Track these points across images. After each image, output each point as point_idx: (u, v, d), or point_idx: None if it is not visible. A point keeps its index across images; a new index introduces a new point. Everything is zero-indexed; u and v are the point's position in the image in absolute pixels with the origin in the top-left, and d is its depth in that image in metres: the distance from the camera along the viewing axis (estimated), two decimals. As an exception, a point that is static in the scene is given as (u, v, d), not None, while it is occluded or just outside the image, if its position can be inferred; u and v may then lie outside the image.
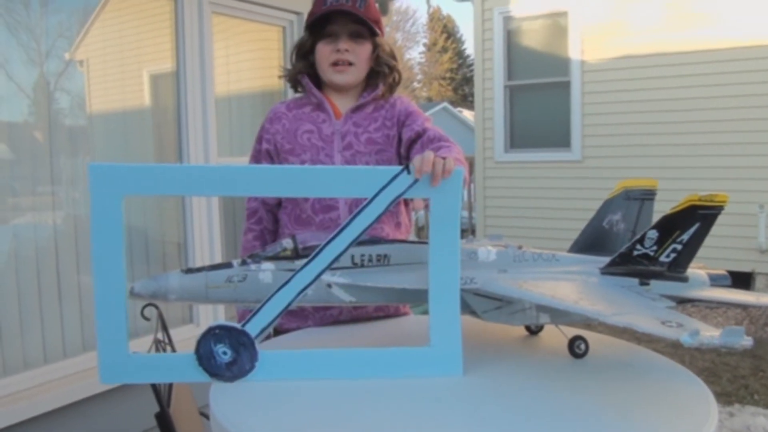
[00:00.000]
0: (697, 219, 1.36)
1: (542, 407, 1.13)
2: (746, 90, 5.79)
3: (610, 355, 1.42)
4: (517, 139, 7.14)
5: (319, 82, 1.73)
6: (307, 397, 1.17)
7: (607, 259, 1.42)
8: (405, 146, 1.66)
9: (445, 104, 22.85)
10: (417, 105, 1.77)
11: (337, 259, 1.23)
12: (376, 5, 1.73)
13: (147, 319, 1.40)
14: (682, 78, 6.07)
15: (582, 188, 6.50)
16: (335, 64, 1.66)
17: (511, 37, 7.11)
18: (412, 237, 1.77)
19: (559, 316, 1.35)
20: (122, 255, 1.20)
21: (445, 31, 36.27)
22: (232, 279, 1.26)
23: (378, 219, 1.22)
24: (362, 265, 1.31)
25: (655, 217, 1.43)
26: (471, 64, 26.92)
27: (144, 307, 1.37)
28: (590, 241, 1.55)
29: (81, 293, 2.61)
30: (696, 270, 1.45)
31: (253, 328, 1.22)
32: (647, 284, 1.39)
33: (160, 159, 3.00)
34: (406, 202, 1.73)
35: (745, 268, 5.74)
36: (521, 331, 1.53)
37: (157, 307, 1.46)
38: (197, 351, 1.21)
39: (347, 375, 1.24)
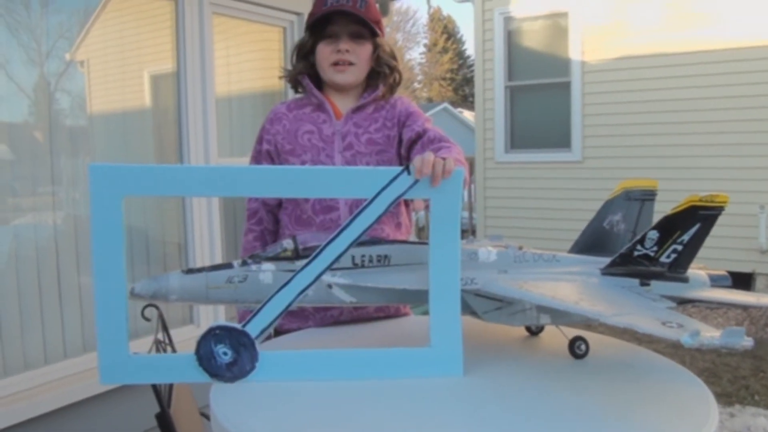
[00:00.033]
0: (697, 219, 1.36)
1: (543, 408, 1.13)
2: (746, 90, 5.79)
3: (610, 355, 1.42)
4: (517, 140, 7.14)
5: (319, 83, 1.73)
6: (308, 398, 1.17)
7: (607, 260, 1.42)
8: (405, 147, 1.66)
9: (446, 105, 22.85)
10: (417, 105, 1.77)
11: (337, 259, 1.23)
12: (377, 6, 1.73)
13: (147, 319, 1.40)
14: (683, 78, 6.07)
15: (582, 189, 6.50)
16: (336, 63, 1.66)
17: (511, 38, 7.11)
18: (413, 237, 1.77)
19: (560, 316, 1.35)
20: (122, 255, 1.20)
21: (445, 32, 36.27)
22: (233, 279, 1.26)
23: (378, 219, 1.22)
24: (363, 266, 1.31)
25: (656, 218, 1.43)
26: (471, 65, 26.93)
27: (144, 307, 1.37)
28: (591, 242, 1.55)
29: (81, 294, 2.61)
30: (696, 270, 1.45)
31: (253, 329, 1.22)
32: (648, 285, 1.39)
33: (160, 159, 2.99)
34: (407, 203, 1.73)
35: (745, 268, 5.73)
36: (522, 331, 1.53)
37: (157, 308, 1.46)
38: (198, 351, 1.21)
39: (348, 375, 1.24)
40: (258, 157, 1.75)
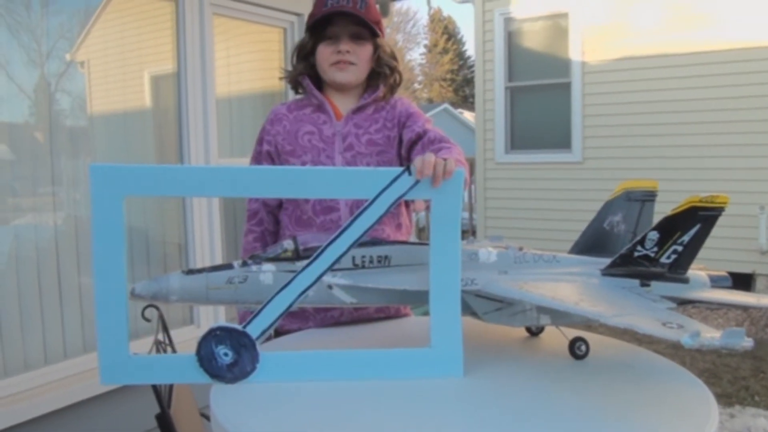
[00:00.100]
0: (697, 220, 1.36)
1: (543, 408, 1.13)
2: (747, 91, 5.78)
3: (610, 356, 1.42)
4: (517, 141, 7.14)
5: (319, 84, 1.73)
6: (308, 398, 1.17)
7: (607, 261, 1.42)
8: (406, 147, 1.66)
9: (446, 105, 22.85)
10: (418, 106, 1.77)
11: (338, 260, 1.23)
12: (377, 6, 1.73)
13: (148, 320, 1.40)
14: (683, 79, 6.07)
15: (582, 189, 6.50)
16: (336, 63, 1.66)
17: (511, 39, 7.11)
18: (413, 238, 1.77)
19: (560, 317, 1.35)
20: (123, 256, 1.20)
21: (445, 33, 36.27)
22: (233, 280, 1.26)
23: (379, 220, 1.22)
24: (363, 267, 1.31)
25: (656, 219, 1.43)
26: (472, 66, 26.91)
27: (145, 308, 1.37)
28: (591, 243, 1.55)
29: (82, 294, 2.61)
30: (697, 271, 1.45)
31: (254, 330, 1.22)
32: (648, 285, 1.39)
33: (160, 160, 3.00)
34: (407, 204, 1.73)
35: (745, 269, 5.73)
36: (522, 332, 1.53)
37: (157, 308, 1.46)
38: (198, 352, 1.21)
39: (348, 376, 1.24)
40: (258, 158, 1.75)
